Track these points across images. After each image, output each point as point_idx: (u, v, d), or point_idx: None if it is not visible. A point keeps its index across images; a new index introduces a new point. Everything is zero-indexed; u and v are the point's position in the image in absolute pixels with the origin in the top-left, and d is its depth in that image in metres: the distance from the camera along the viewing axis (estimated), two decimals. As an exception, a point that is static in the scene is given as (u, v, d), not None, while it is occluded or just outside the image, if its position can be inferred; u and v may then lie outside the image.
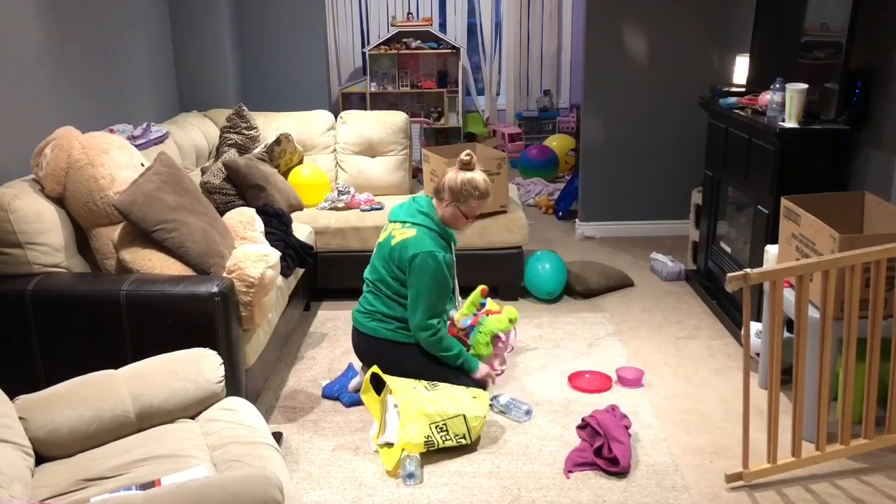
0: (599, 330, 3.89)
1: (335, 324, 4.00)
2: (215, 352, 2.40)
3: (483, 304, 3.58)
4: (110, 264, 2.89)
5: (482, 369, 3.17)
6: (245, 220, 3.23)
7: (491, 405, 3.11)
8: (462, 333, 3.44)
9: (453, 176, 3.08)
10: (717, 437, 2.94)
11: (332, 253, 4.16)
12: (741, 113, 3.75)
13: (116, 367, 2.27)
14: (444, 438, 2.78)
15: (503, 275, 4.19)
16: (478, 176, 3.07)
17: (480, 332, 3.35)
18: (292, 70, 5.30)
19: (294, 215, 4.20)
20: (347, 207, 4.32)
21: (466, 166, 3.09)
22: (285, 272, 3.42)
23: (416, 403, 2.79)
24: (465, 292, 3.73)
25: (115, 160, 2.91)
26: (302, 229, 3.97)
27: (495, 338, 3.44)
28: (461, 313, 3.55)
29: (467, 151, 3.11)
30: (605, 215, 5.34)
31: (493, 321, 3.38)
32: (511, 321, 3.44)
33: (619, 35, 5.00)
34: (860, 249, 2.56)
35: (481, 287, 3.62)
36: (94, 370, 2.25)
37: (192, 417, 2.28)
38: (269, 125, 4.64)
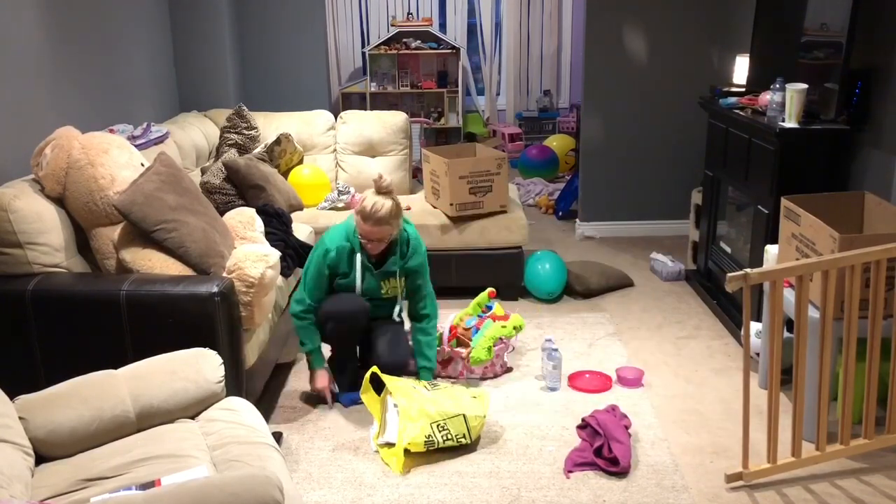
0: (599, 330, 3.89)
1: (335, 324, 4.00)
2: (215, 352, 2.40)
3: (490, 308, 3.58)
4: (110, 264, 2.89)
5: (317, 381, 3.18)
6: (245, 220, 3.23)
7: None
8: (465, 334, 3.44)
9: None
10: (717, 437, 2.94)
11: (332, 253, 4.16)
12: (741, 113, 3.75)
13: (116, 367, 2.27)
14: (444, 438, 2.78)
15: (503, 275, 4.19)
16: (371, 198, 3.00)
17: (483, 337, 3.35)
18: (292, 70, 5.29)
19: (294, 215, 4.19)
20: (347, 207, 4.32)
21: (377, 185, 3.05)
22: (285, 272, 3.42)
23: (417, 403, 2.79)
24: (471, 293, 3.74)
25: (115, 160, 2.91)
26: (302, 229, 3.97)
27: (497, 341, 3.43)
28: (466, 313, 3.56)
29: (379, 174, 3.10)
30: (605, 215, 5.34)
31: (498, 328, 3.38)
32: (516, 329, 3.44)
33: (619, 35, 5.00)
34: (860, 249, 2.56)
35: (489, 290, 3.62)
36: (94, 370, 2.24)
37: (192, 417, 2.28)
38: (269, 125, 4.64)
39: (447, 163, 4.05)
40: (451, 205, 4.08)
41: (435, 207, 4.29)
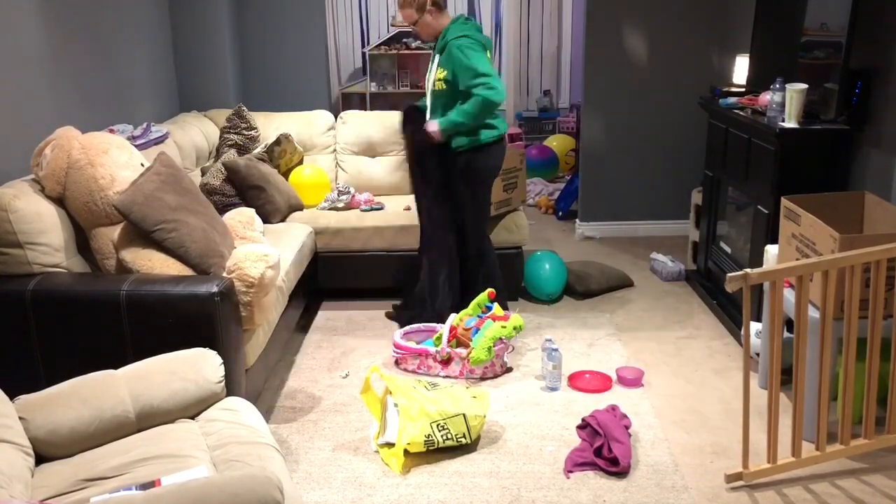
0: (599, 330, 3.89)
1: (335, 324, 4.00)
2: (215, 352, 2.40)
3: (489, 308, 3.58)
4: (110, 264, 2.89)
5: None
6: (245, 220, 3.23)
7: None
8: (465, 335, 3.44)
9: None
10: (717, 437, 2.94)
11: (332, 253, 4.16)
12: (741, 113, 3.75)
13: (116, 367, 2.27)
14: (444, 437, 2.78)
15: (503, 275, 4.18)
16: None
17: (483, 337, 3.35)
18: (292, 70, 5.29)
19: (294, 215, 4.20)
20: (347, 207, 4.32)
21: None
22: None
23: (417, 403, 2.79)
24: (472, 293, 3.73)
25: (115, 160, 2.91)
26: (302, 229, 3.97)
27: (497, 341, 3.43)
28: (466, 313, 3.56)
29: None
30: (605, 215, 5.34)
31: (498, 328, 3.38)
32: (515, 329, 3.43)
33: (619, 35, 5.00)
34: (860, 249, 2.56)
35: (489, 290, 3.62)
36: (94, 370, 2.25)
37: (192, 417, 2.28)
38: (269, 125, 4.64)
39: None
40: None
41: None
